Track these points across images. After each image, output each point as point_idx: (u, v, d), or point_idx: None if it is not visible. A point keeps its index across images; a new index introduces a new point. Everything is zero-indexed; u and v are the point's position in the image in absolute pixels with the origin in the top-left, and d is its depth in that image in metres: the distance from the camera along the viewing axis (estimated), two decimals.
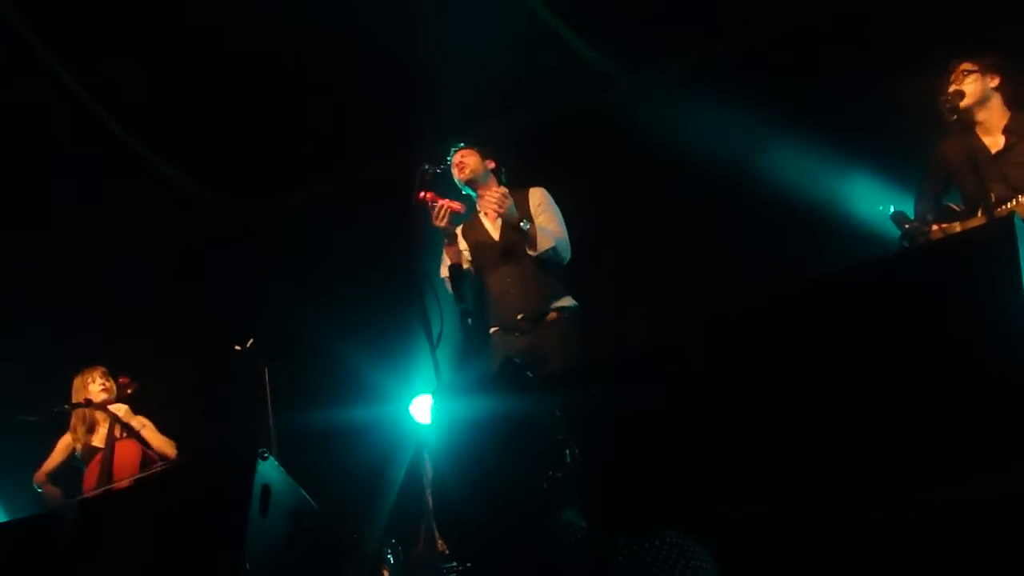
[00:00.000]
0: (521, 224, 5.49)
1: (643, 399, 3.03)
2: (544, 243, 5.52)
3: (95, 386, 6.43)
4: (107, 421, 6.40)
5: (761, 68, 6.57)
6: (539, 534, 1.95)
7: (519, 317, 5.53)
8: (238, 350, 5.99)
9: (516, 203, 5.60)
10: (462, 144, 5.76)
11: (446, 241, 5.60)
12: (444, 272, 5.61)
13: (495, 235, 5.70)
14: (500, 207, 5.44)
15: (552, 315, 5.55)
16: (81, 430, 6.48)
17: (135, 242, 8.32)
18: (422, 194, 5.38)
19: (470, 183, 5.71)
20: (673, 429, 2.95)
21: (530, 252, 5.53)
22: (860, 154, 6.07)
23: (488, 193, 5.55)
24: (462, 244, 5.72)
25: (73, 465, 6.51)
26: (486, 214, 5.72)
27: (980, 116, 5.12)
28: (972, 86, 5.07)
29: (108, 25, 7.00)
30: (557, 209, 5.71)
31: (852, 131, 6.13)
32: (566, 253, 5.64)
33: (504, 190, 5.59)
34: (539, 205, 5.67)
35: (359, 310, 7.17)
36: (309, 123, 7.45)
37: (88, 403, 6.41)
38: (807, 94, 6.32)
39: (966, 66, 5.09)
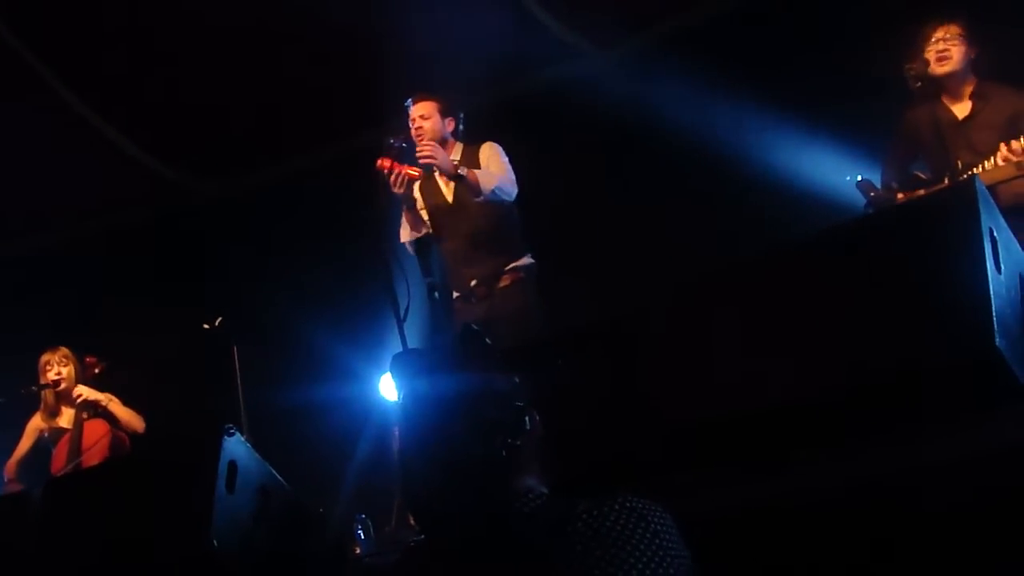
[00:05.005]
0: (459, 171, 5.34)
1: (601, 367, 3.03)
2: (487, 183, 5.38)
3: (51, 372, 6.39)
4: (72, 402, 6.37)
5: (728, 38, 6.57)
6: (499, 501, 1.94)
7: (473, 284, 5.49)
8: (207, 328, 5.96)
9: (469, 160, 5.52)
10: (419, 96, 5.60)
11: (405, 207, 5.54)
12: (404, 236, 5.57)
13: (449, 197, 5.61)
14: (433, 158, 5.31)
15: (505, 279, 5.50)
16: (46, 412, 6.44)
17: (101, 219, 8.26)
18: (380, 162, 5.32)
19: None
20: (634, 395, 2.95)
21: (477, 199, 5.41)
22: (828, 123, 6.07)
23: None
24: (420, 205, 5.62)
25: (43, 447, 6.46)
26: (440, 174, 5.55)
27: (949, 82, 5.06)
28: (958, 49, 5.00)
29: None
30: (505, 156, 5.57)
31: (820, 100, 6.14)
32: (512, 190, 5.47)
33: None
34: (488, 157, 5.54)
35: (327, 287, 7.15)
36: (275, 100, 7.40)
37: (56, 384, 6.37)
38: (774, 64, 6.32)
39: (953, 29, 5.00)
